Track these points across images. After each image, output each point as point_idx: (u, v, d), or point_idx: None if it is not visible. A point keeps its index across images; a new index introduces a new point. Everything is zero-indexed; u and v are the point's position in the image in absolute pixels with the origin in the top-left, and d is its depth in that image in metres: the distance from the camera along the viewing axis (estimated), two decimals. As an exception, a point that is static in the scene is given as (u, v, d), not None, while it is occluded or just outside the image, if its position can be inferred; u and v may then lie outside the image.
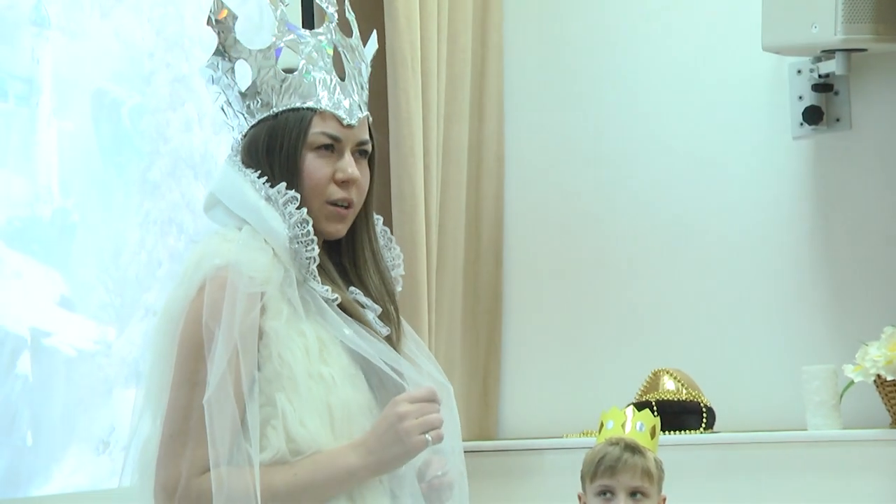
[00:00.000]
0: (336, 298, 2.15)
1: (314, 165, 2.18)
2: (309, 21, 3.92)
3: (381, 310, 2.23)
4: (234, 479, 2.03)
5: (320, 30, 2.27)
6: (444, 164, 4.26)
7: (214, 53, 2.22)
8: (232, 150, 2.25)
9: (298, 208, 2.15)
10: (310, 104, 2.19)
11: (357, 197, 2.22)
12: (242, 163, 2.21)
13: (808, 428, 3.76)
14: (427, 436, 2.07)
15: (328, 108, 2.19)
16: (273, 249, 2.14)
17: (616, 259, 4.33)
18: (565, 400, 4.32)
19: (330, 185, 2.18)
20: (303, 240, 2.14)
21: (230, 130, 2.25)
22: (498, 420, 4.42)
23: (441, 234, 4.24)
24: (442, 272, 4.25)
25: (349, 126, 2.20)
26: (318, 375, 2.10)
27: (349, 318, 2.16)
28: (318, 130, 2.18)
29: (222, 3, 2.22)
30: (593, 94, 4.41)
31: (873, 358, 3.62)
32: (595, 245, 4.36)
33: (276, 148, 2.18)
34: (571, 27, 4.45)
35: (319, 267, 2.16)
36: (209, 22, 2.22)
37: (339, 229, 2.22)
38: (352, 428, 2.11)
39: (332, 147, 2.19)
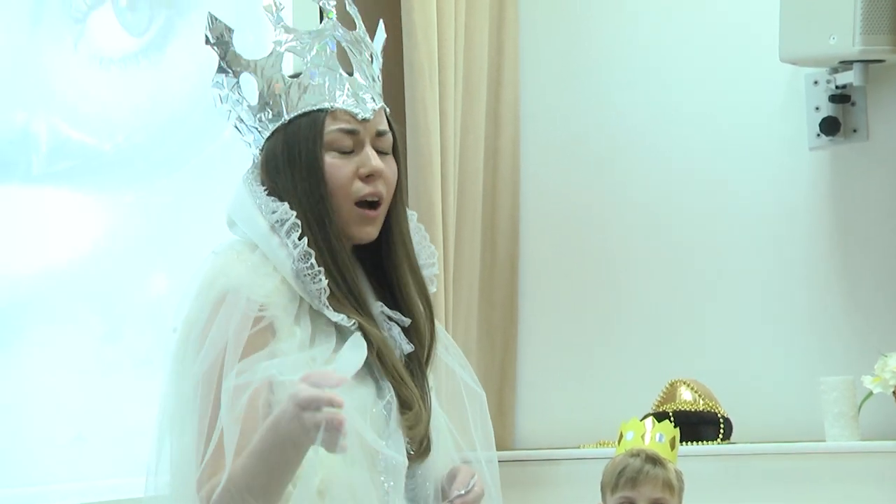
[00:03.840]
0: (354, 323, 2.10)
1: (335, 165, 2.12)
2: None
3: (409, 321, 2.18)
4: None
5: (320, 27, 2.21)
6: (460, 174, 4.27)
7: (217, 71, 2.17)
8: (252, 165, 2.21)
9: (324, 223, 2.10)
10: (321, 106, 2.13)
11: (385, 191, 2.15)
12: (262, 179, 2.15)
13: (826, 439, 3.76)
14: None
15: (339, 107, 2.13)
16: (283, 276, 2.10)
17: (632, 269, 4.33)
18: (581, 410, 4.32)
19: (354, 182, 2.12)
20: (308, 272, 2.09)
21: (247, 147, 2.20)
22: (514, 430, 4.42)
23: (457, 243, 4.25)
24: (458, 281, 4.25)
25: (364, 120, 2.14)
26: None
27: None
28: (333, 128, 2.12)
29: (216, 18, 2.17)
30: (609, 104, 4.41)
31: (892, 369, 3.62)
32: (611, 254, 4.36)
33: (295, 156, 2.12)
34: (587, 37, 4.46)
35: (333, 296, 2.10)
36: (207, 41, 2.16)
37: (370, 232, 2.15)
38: (364, 455, 2.05)
39: (350, 148, 2.13)
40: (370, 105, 2.16)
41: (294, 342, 2.06)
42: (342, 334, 2.11)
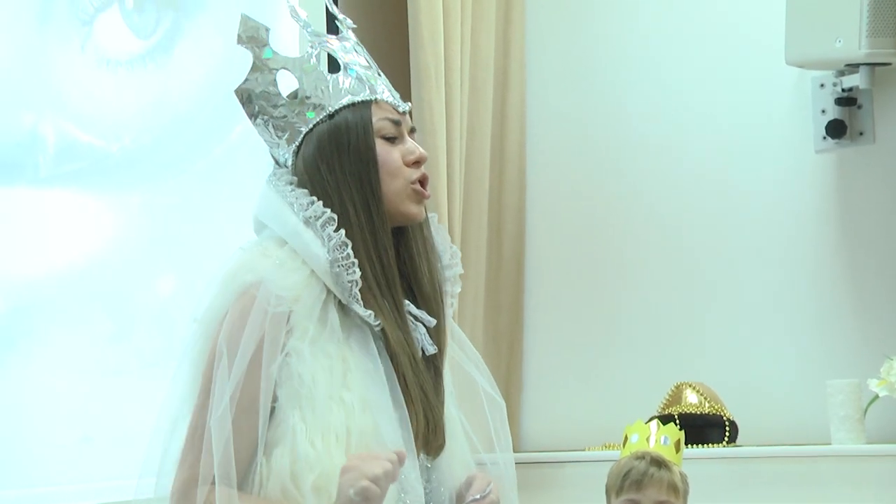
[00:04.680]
0: (378, 324, 2.12)
1: (386, 150, 2.18)
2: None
3: (435, 322, 2.21)
4: (215, 499, 2.01)
5: (344, 34, 2.28)
6: (466, 176, 4.28)
7: (252, 70, 2.20)
8: (276, 166, 2.23)
9: (369, 206, 2.14)
10: (365, 97, 2.19)
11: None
12: (300, 171, 2.18)
13: (832, 442, 3.75)
14: (351, 490, 1.98)
15: (383, 98, 2.21)
16: (312, 270, 2.12)
17: (638, 271, 4.33)
18: (587, 412, 4.32)
19: (404, 168, 2.19)
20: (343, 263, 2.11)
21: (274, 147, 2.22)
22: (520, 432, 4.42)
23: (464, 245, 4.25)
24: (464, 283, 4.20)
25: (403, 113, 2.23)
26: (339, 399, 2.07)
27: (384, 350, 2.13)
28: (380, 117, 2.19)
29: (249, 18, 2.21)
30: (615, 107, 4.41)
31: (898, 372, 3.62)
32: (617, 257, 4.37)
33: (344, 143, 2.17)
34: (593, 40, 4.46)
35: (364, 289, 2.13)
36: (240, 40, 2.20)
37: (421, 211, 2.22)
38: (366, 449, 2.06)
39: (395, 136, 2.20)
40: (402, 101, 2.25)
41: (306, 340, 2.07)
42: (356, 344, 2.13)
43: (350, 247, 2.12)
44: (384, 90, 2.22)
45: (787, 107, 4.15)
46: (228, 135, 3.82)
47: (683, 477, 2.84)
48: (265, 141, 2.24)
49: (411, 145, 2.20)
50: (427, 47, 4.08)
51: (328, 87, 2.19)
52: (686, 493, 2.84)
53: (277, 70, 2.20)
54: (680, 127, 4.30)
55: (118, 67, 3.67)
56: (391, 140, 2.19)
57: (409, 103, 2.26)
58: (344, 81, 2.19)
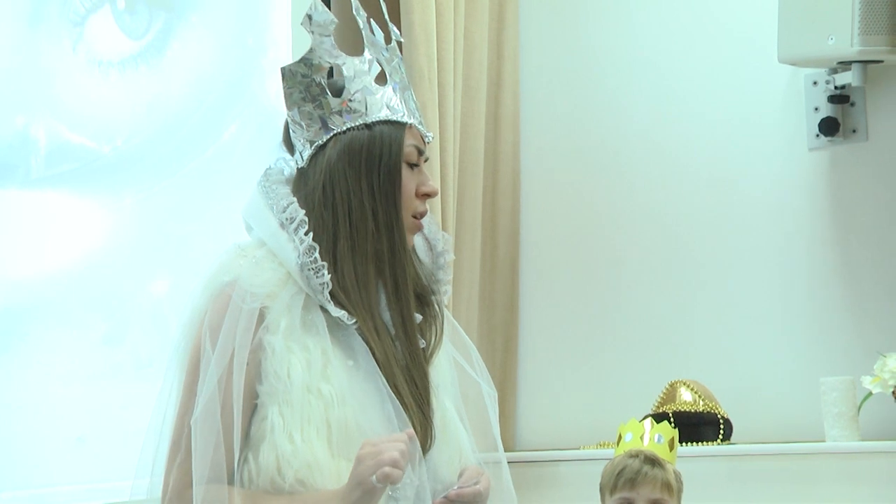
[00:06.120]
0: (354, 322, 2.15)
1: (408, 177, 2.21)
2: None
3: (420, 318, 2.23)
4: (212, 497, 2.04)
5: (392, 46, 2.29)
6: (460, 177, 4.27)
7: (307, 55, 2.20)
8: (269, 168, 2.25)
9: (392, 225, 2.17)
10: (402, 119, 2.22)
11: None
12: (330, 171, 2.19)
13: (826, 439, 3.76)
14: (373, 476, 2.01)
15: (416, 125, 2.24)
16: (289, 272, 2.15)
17: (633, 271, 4.33)
18: (582, 411, 4.32)
19: (414, 198, 2.22)
20: (312, 266, 2.14)
21: (298, 132, 2.21)
22: (514, 431, 4.42)
23: (458, 246, 4.25)
24: (458, 284, 4.25)
25: (427, 143, 2.26)
26: (318, 391, 2.10)
27: (362, 344, 2.16)
28: (410, 143, 2.22)
29: (324, 6, 2.23)
30: (610, 107, 4.41)
31: (891, 369, 3.62)
32: (612, 257, 4.37)
33: (375, 161, 2.19)
34: (588, 40, 4.46)
35: (334, 291, 2.16)
36: (305, 22, 2.21)
37: (413, 240, 2.27)
38: (350, 447, 2.09)
39: (415, 164, 2.23)
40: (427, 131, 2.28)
41: (278, 334, 2.10)
42: (336, 338, 2.15)
43: (317, 251, 2.14)
44: (417, 116, 2.24)
45: (779, 104, 4.16)
46: (221, 136, 3.82)
47: (677, 475, 2.84)
48: (291, 124, 2.23)
49: (426, 178, 2.24)
50: (420, 47, 4.07)
51: (373, 96, 2.20)
52: (680, 491, 2.85)
53: (331, 63, 2.21)
54: (673, 125, 4.30)
55: (110, 68, 3.67)
56: (411, 167, 2.22)
57: (432, 134, 2.29)
58: (385, 95, 2.21)
